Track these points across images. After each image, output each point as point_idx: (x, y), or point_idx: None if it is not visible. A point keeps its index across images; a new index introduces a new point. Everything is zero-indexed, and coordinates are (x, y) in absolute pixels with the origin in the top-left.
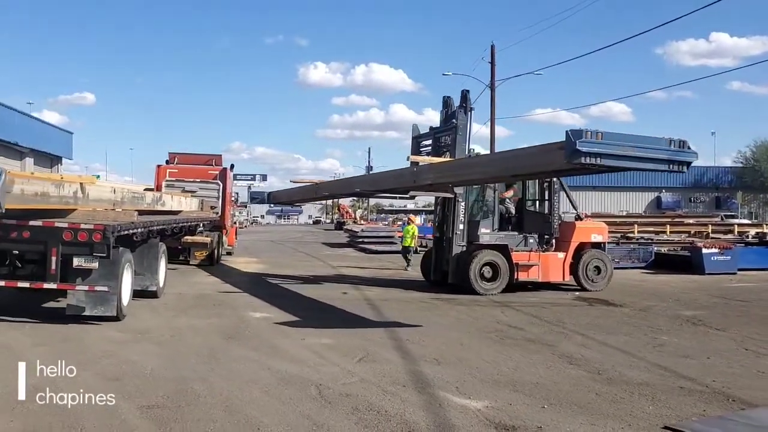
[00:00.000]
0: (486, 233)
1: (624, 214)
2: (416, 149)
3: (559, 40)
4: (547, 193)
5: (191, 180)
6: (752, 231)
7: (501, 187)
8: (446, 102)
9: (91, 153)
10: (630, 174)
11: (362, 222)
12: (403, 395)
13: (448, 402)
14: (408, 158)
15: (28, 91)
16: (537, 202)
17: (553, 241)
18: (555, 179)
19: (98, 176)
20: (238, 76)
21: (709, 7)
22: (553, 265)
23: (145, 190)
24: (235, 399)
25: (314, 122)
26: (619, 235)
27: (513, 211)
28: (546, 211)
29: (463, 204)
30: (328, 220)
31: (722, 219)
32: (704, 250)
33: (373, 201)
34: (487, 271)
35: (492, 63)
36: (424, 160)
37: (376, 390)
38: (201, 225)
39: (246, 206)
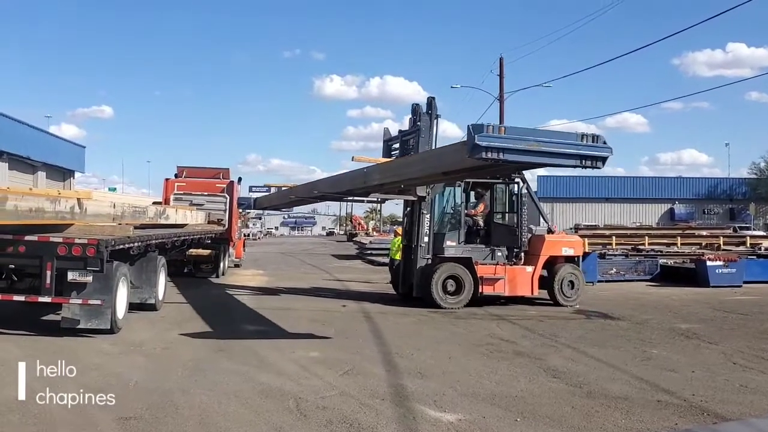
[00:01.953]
0: (452, 246)
1: (636, 225)
2: (387, 152)
3: (574, 50)
4: (516, 205)
5: (199, 193)
6: (765, 243)
7: (470, 204)
8: (415, 109)
9: (109, 166)
10: (643, 185)
11: (374, 233)
12: (380, 408)
13: (422, 415)
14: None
15: (47, 104)
16: (506, 214)
17: (522, 254)
18: (525, 190)
19: (114, 189)
20: (255, 89)
21: (726, 18)
22: (520, 279)
23: (153, 203)
24: (211, 411)
25: (329, 134)
26: (629, 247)
27: (481, 223)
28: (514, 223)
29: (428, 216)
30: (341, 232)
31: (735, 231)
32: (709, 263)
33: (386, 212)
34: (451, 285)
35: (501, 75)
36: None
37: (354, 403)
38: (207, 238)
39: (260, 218)
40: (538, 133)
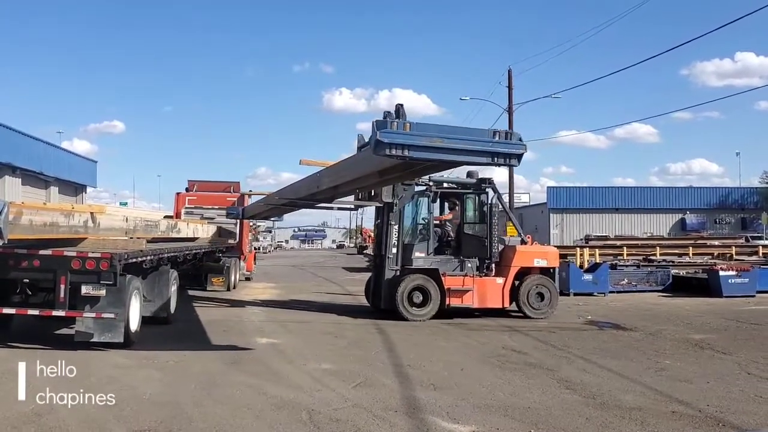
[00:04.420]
0: (420, 257)
1: (647, 235)
2: None
3: (583, 61)
4: (487, 215)
5: (209, 207)
6: None
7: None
8: (386, 117)
9: (120, 180)
10: (653, 195)
11: None
12: (393, 420)
13: (436, 427)
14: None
15: (59, 120)
16: (476, 225)
17: (493, 265)
18: (496, 201)
19: (125, 203)
20: (265, 103)
21: (733, 27)
22: (490, 291)
23: (165, 217)
24: (225, 424)
25: (339, 147)
26: (641, 257)
27: (452, 234)
28: (485, 234)
29: (396, 226)
30: (352, 245)
31: (747, 240)
32: (721, 273)
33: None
34: (417, 297)
35: (509, 87)
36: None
37: (367, 415)
38: (218, 251)
39: (271, 231)
40: (447, 130)
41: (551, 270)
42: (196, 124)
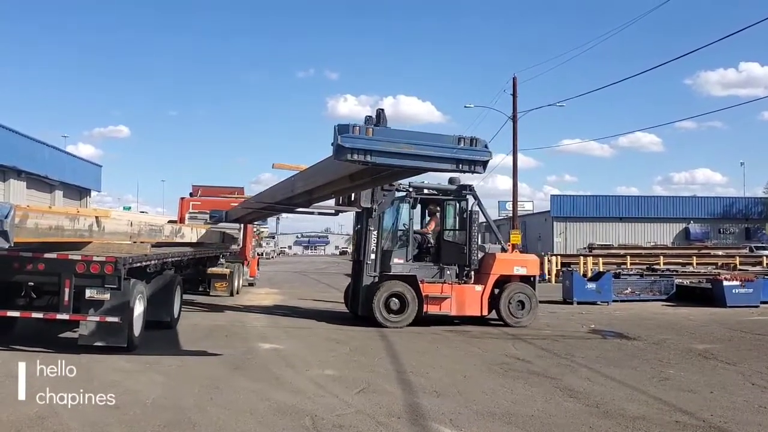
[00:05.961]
0: (399, 264)
1: (651, 245)
2: None
3: (588, 70)
4: (466, 222)
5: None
6: None
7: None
8: (367, 121)
9: (124, 185)
10: (658, 205)
11: None
12: (396, 426)
13: None
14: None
15: (64, 124)
16: (456, 232)
17: (472, 273)
18: (476, 207)
19: (129, 208)
20: (269, 109)
21: (738, 37)
22: (469, 298)
23: (168, 222)
24: (228, 429)
25: None
26: (644, 266)
27: (432, 241)
28: (464, 241)
29: (375, 232)
30: None
31: (751, 250)
32: (725, 283)
33: None
34: (394, 303)
35: (514, 95)
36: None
37: (370, 421)
38: (221, 256)
39: (274, 237)
40: (411, 136)
41: (531, 278)
42: (200, 129)
